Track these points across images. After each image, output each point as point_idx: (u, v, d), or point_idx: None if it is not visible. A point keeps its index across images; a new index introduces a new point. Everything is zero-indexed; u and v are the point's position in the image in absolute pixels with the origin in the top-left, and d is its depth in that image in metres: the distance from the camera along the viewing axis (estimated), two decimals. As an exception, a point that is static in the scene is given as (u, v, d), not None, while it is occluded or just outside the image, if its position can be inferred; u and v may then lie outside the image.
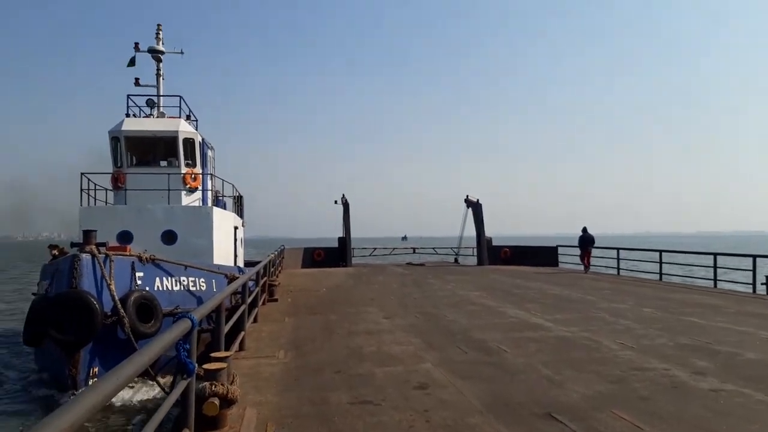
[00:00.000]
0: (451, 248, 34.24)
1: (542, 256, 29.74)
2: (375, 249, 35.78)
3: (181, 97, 19.12)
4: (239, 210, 22.45)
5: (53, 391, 11.63)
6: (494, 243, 31.80)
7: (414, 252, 36.05)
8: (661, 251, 21.33)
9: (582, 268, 24.82)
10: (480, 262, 30.09)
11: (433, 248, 36.51)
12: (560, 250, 29.04)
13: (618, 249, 23.88)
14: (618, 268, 23.41)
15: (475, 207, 30.46)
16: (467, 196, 30.72)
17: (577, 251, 25.40)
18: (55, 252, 14.82)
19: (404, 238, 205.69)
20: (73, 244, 12.12)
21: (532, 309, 12.77)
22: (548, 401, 5.84)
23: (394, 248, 37.24)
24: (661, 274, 20.74)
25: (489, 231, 30.79)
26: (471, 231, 30.88)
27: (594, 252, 24.90)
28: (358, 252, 33.69)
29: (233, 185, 21.53)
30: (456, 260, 33.81)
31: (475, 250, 31.19)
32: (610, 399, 5.90)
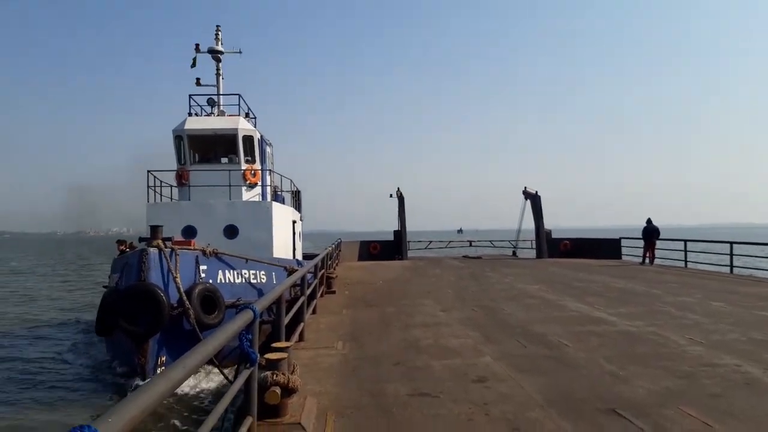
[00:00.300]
0: (509, 241, 33.72)
1: (604, 248, 28.88)
2: (431, 242, 35.66)
3: (240, 96, 19.60)
4: (297, 204, 22.86)
5: (124, 379, 12.22)
6: (553, 236, 31.12)
7: (470, 245, 35.72)
8: (732, 242, 20.35)
9: (643, 260, 24.09)
10: (539, 255, 29.51)
11: (490, 241, 36.05)
12: (623, 242, 28.11)
13: (685, 240, 22.92)
14: (685, 261, 22.50)
15: (534, 199, 29.86)
16: (525, 187, 30.16)
17: (641, 243, 24.60)
18: (123, 247, 15.54)
19: (460, 231, 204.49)
20: (141, 239, 12.66)
21: (594, 302, 12.43)
22: (612, 397, 5.68)
23: (450, 241, 37.00)
24: (732, 266, 19.79)
25: (548, 223, 30.15)
26: (529, 223, 30.33)
27: (658, 244, 24.05)
28: (414, 245, 33.66)
29: (291, 180, 21.96)
30: (514, 253, 33.29)
31: (534, 242, 30.61)
32: (677, 395, 5.68)
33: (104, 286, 14.94)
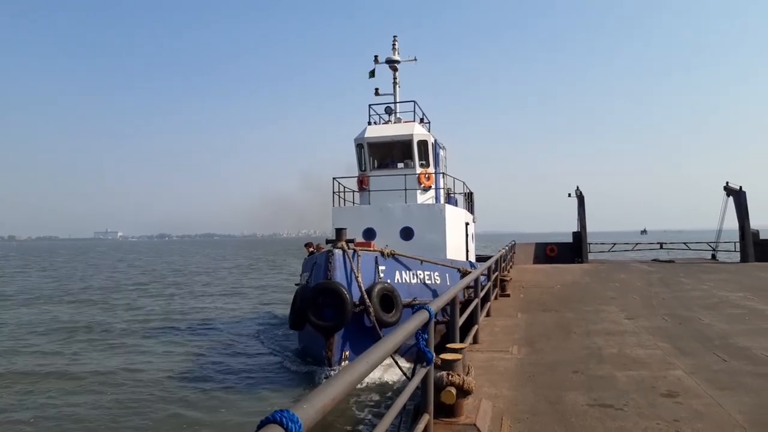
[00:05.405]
0: (707, 243, 30.40)
1: None
2: (614, 245, 33.44)
3: (415, 102, 20.21)
4: (470, 206, 22.92)
5: (313, 369, 13.32)
6: (762, 237, 27.37)
7: (661, 247, 32.78)
8: None
9: None
10: (744, 259, 26.20)
11: (684, 243, 32.79)
12: None
13: None
14: None
15: (738, 195, 26.54)
16: (727, 183, 26.95)
17: None
18: (312, 249, 16.89)
19: (643, 232, 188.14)
20: (327, 241, 13.69)
21: (814, 315, 10.74)
22: (837, 425, 4.90)
23: (636, 243, 34.35)
24: None
25: (755, 223, 26.59)
26: (732, 223, 27.05)
27: None
28: (595, 248, 31.84)
29: (464, 183, 22.08)
30: (713, 257, 29.93)
31: (738, 245, 27.22)
32: None
33: (296, 284, 16.37)
